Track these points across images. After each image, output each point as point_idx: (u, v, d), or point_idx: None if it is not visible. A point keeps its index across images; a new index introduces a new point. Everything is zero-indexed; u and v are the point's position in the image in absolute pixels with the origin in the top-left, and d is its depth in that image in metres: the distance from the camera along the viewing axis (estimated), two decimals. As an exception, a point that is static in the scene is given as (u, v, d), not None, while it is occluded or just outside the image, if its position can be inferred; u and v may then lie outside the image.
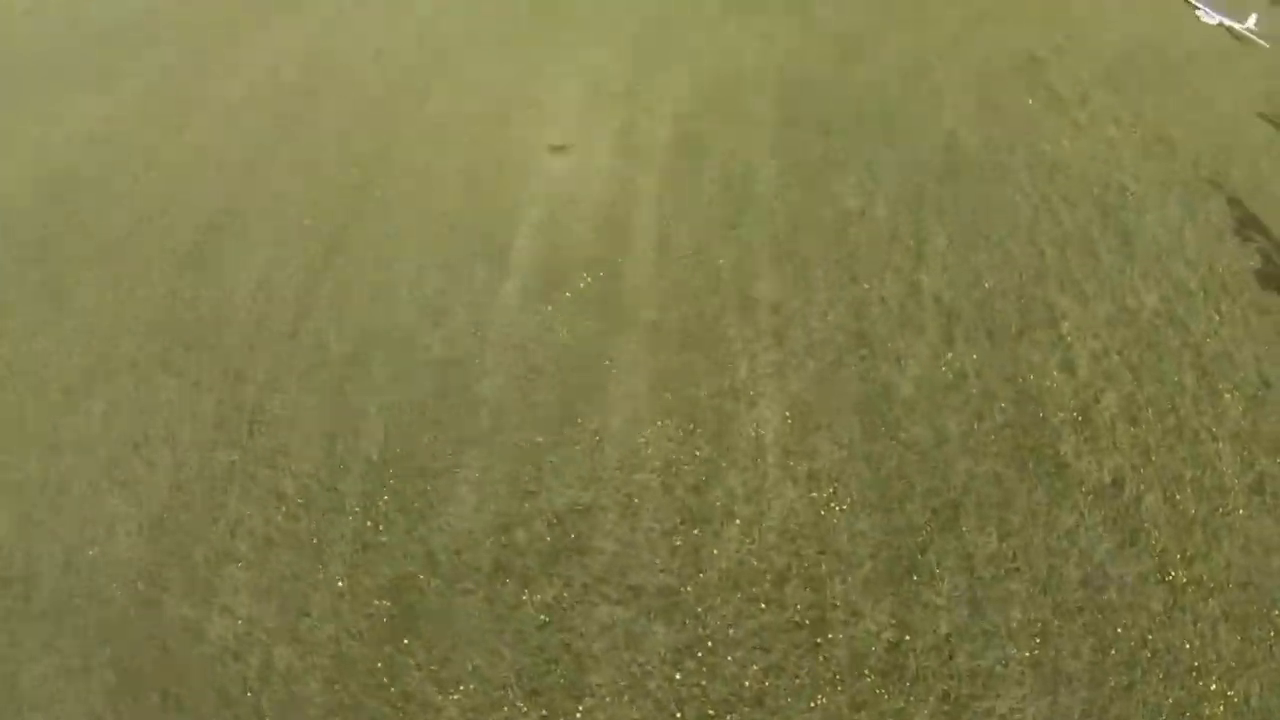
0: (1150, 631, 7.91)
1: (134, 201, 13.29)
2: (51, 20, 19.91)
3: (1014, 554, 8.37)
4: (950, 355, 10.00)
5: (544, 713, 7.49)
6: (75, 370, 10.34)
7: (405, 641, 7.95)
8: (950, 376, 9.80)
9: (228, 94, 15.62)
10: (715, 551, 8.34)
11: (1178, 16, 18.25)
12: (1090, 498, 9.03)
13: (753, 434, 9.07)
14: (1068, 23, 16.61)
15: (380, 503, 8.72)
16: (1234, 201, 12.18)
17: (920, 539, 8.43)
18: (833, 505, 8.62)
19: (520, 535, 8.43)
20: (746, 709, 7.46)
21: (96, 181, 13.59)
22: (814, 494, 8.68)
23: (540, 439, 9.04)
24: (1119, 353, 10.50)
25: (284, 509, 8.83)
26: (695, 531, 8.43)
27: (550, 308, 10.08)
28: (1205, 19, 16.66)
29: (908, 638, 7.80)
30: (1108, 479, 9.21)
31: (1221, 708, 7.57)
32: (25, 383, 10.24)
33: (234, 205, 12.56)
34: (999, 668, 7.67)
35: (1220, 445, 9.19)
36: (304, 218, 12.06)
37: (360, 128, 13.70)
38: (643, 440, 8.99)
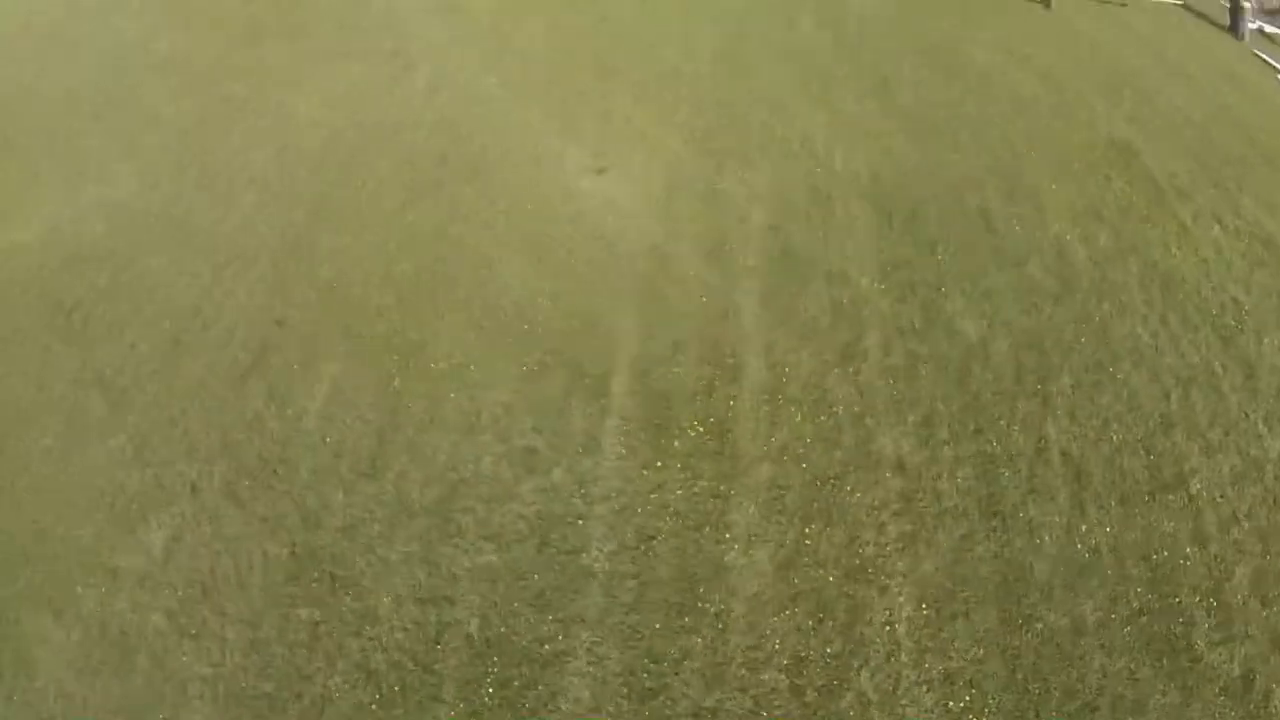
0: None
1: (180, 290, 12.31)
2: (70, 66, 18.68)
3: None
4: (1084, 528, 9.35)
5: None
6: (130, 491, 9.48)
7: None
8: (1086, 555, 9.17)
9: (267, 158, 14.59)
10: (852, 773, 7.69)
11: (1259, 84, 17.58)
12: (1222, 698, 8.48)
13: (885, 625, 8.39)
14: (1147, 98, 15.89)
15: (484, 693, 7.96)
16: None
17: (1062, 756, 7.84)
18: (969, 717, 7.97)
19: (641, 746, 7.72)
20: None
21: (131, 262, 12.62)
22: (950, 702, 8.03)
23: (658, 624, 8.29)
24: (1247, 516, 9.93)
25: (376, 693, 8.05)
26: (829, 745, 7.77)
27: (660, 462, 9.26)
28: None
29: None
30: (1238, 671, 8.66)
31: None
32: (75, 500, 9.40)
33: (292, 300, 11.62)
34: None
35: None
36: (371, 319, 11.13)
37: (418, 203, 12.70)
38: (769, 630, 8.27)
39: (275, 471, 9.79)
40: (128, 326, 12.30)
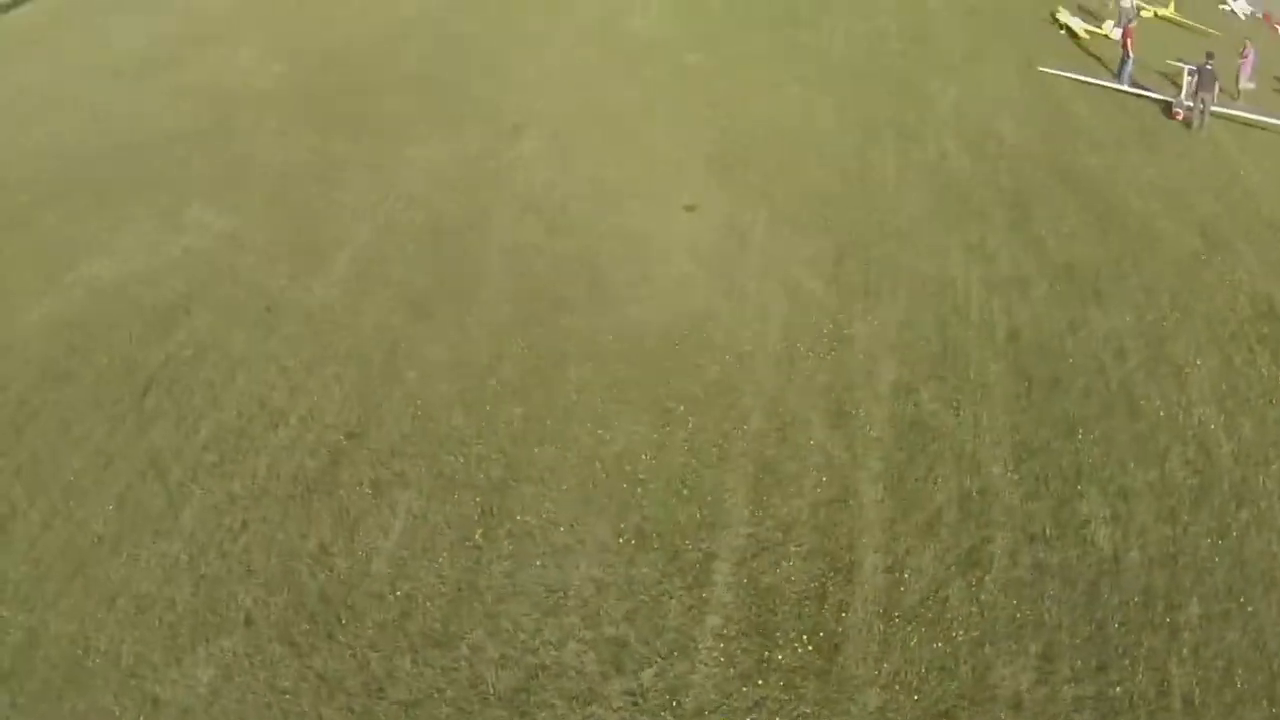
0: None
1: (255, 375, 12.18)
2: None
3: None
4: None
5: None
6: (180, 608, 9.26)
7: None
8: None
9: (368, 234, 14.19)
10: None
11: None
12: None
13: None
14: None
15: None
16: None
17: None
18: None
19: None
20: None
21: (211, 332, 12.87)
22: None
23: None
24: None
25: None
26: None
27: (760, 678, 8.31)
28: None
29: None
30: None
31: None
32: (122, 607, 9.21)
33: (372, 408, 11.05)
34: None
35: None
36: (455, 446, 10.88)
37: (527, 327, 11.88)
38: None
39: (339, 619, 9.20)
40: (196, 409, 12.04)
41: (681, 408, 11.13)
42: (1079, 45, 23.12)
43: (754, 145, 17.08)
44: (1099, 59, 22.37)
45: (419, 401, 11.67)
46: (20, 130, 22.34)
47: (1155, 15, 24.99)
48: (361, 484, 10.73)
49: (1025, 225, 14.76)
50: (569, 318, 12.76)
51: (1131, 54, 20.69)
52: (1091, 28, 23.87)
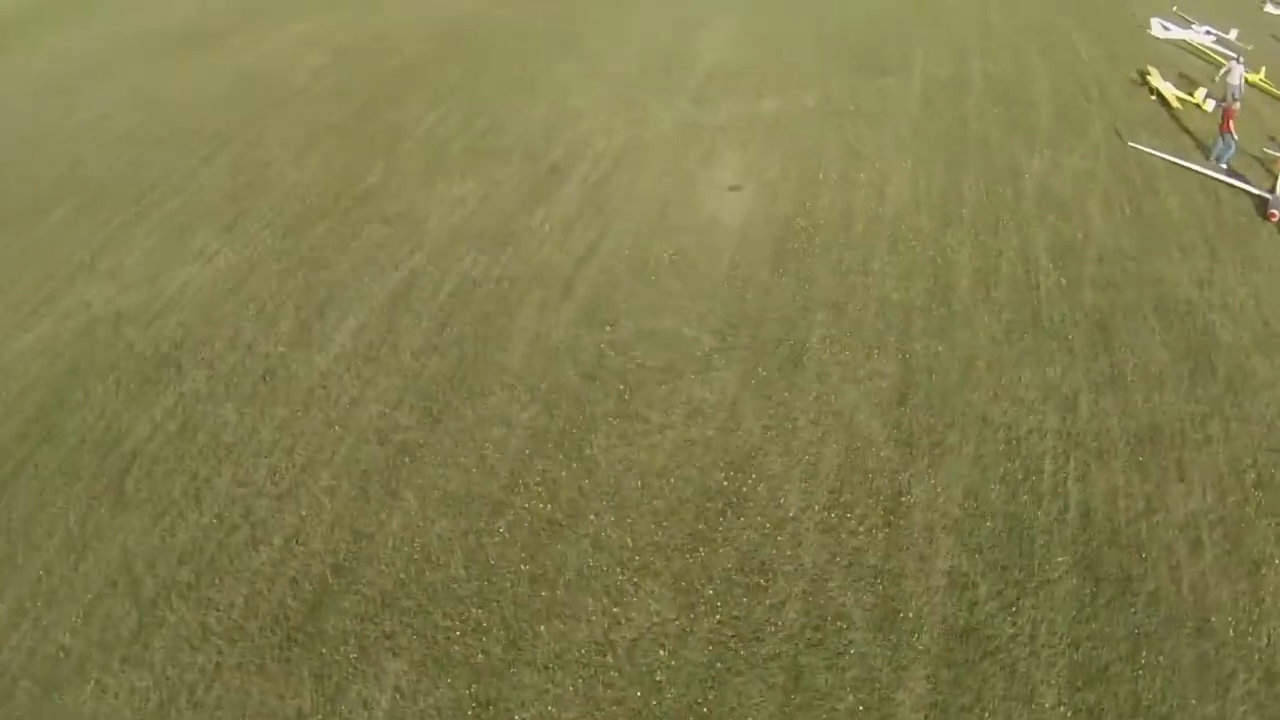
0: None
1: (242, 471, 11.56)
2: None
3: None
4: None
5: None
6: None
7: None
8: None
9: (382, 299, 13.01)
10: None
11: None
12: None
13: None
14: None
15: None
16: None
17: None
18: None
19: None
20: None
21: (202, 404, 12.25)
22: None
23: None
24: None
25: None
26: None
27: None
28: None
29: None
30: None
31: None
32: None
33: (363, 539, 10.56)
34: None
35: None
36: (454, 605, 9.95)
37: (538, 452, 10.91)
38: None
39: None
40: (176, 504, 11.36)
41: (710, 589, 9.92)
42: (1171, 114, 21.13)
43: (820, 230, 15.57)
44: (1191, 134, 20.43)
45: (417, 541, 10.55)
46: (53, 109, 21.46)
47: (1246, 81, 22.90)
48: (347, 641, 9.69)
49: (1109, 358, 13.24)
50: (594, 445, 11.52)
51: (1235, 136, 18.77)
52: (1184, 95, 21.81)
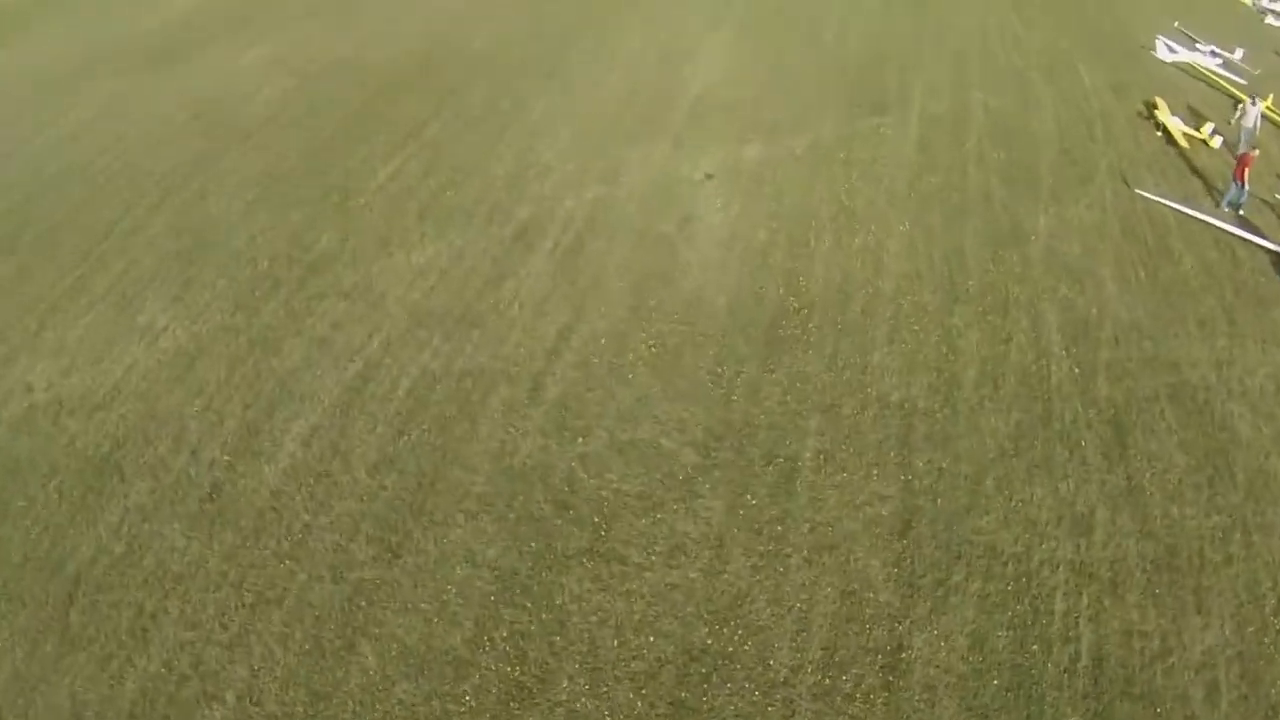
0: None
1: (172, 636, 10.31)
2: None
3: None
4: None
5: None
6: None
7: None
8: None
9: (336, 395, 11.99)
10: None
11: None
12: None
13: None
14: None
15: None
16: None
17: None
18: None
19: None
20: None
21: (144, 530, 10.85)
22: None
23: None
24: None
25: None
26: None
27: None
28: None
29: None
30: None
31: None
32: None
33: (317, 706, 8.88)
34: None
35: None
36: None
37: (506, 600, 9.99)
38: None
39: None
40: (124, 647, 10.30)
41: None
42: (1178, 153, 20.07)
43: (814, 309, 14.43)
44: (1199, 173, 19.40)
45: (378, 707, 9.50)
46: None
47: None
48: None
49: (1125, 467, 12.25)
50: (567, 591, 10.44)
51: (1246, 186, 17.75)
52: (1191, 131, 20.72)
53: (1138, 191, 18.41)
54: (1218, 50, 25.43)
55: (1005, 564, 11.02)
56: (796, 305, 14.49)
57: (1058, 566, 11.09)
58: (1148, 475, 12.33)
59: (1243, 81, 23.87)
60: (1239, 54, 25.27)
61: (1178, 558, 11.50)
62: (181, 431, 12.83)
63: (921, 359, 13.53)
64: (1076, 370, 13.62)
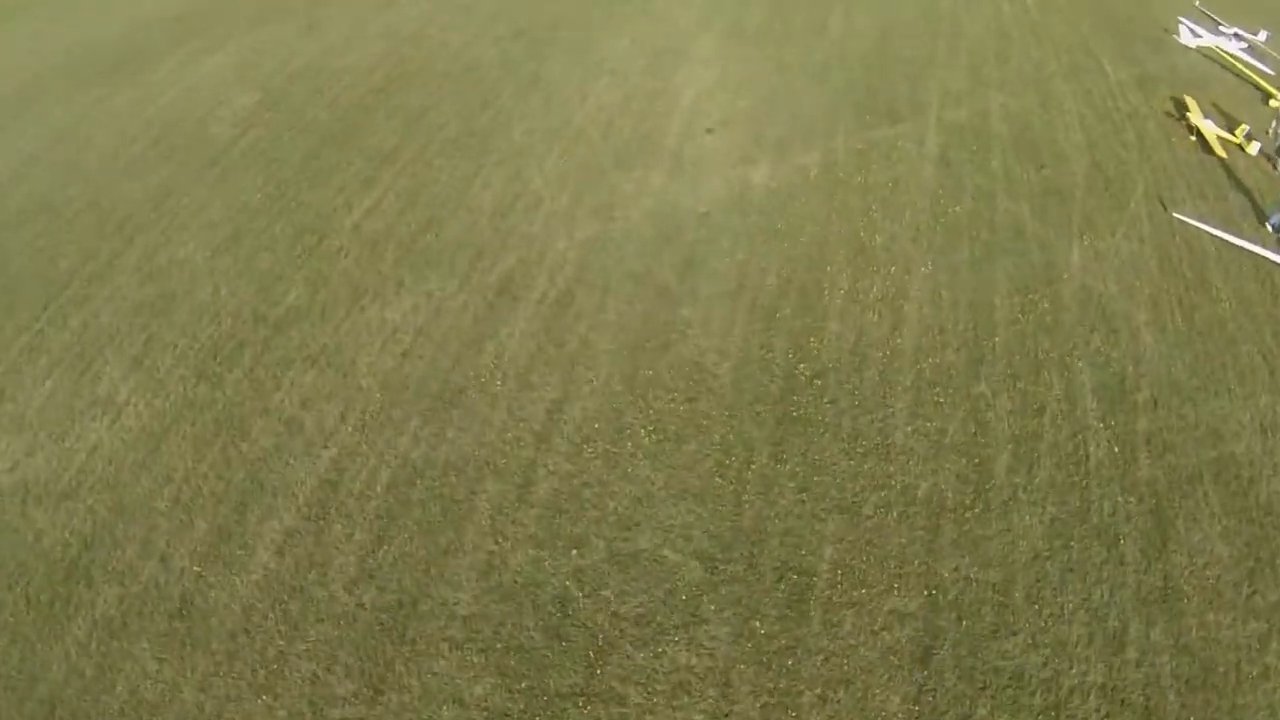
0: None
1: None
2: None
3: None
4: None
5: None
6: None
7: None
8: None
9: (291, 490, 11.17)
10: None
11: None
12: None
13: None
14: None
15: None
16: None
17: None
18: None
19: None
20: None
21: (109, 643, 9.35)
22: None
23: None
24: None
25: None
26: None
27: None
28: None
29: None
30: None
31: None
32: None
33: None
34: None
35: None
36: None
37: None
38: None
39: None
40: None
41: None
42: (1216, 163, 18.60)
43: (828, 377, 13.32)
44: (1240, 187, 17.99)
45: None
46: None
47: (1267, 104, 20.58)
48: None
49: (1163, 565, 11.34)
50: (560, 731, 9.64)
51: (1291, 201, 16.46)
52: (1226, 135, 19.22)
53: (1176, 216, 17.06)
54: (1241, 33, 23.85)
55: (1033, 694, 10.17)
56: (809, 374, 13.33)
57: (1088, 694, 10.25)
58: (1187, 574, 11.41)
59: (1269, 71, 22.34)
60: (1263, 36, 23.70)
61: (1213, 674, 10.66)
62: (150, 532, 11.89)
63: (948, 441, 12.45)
64: (1116, 449, 12.56)
